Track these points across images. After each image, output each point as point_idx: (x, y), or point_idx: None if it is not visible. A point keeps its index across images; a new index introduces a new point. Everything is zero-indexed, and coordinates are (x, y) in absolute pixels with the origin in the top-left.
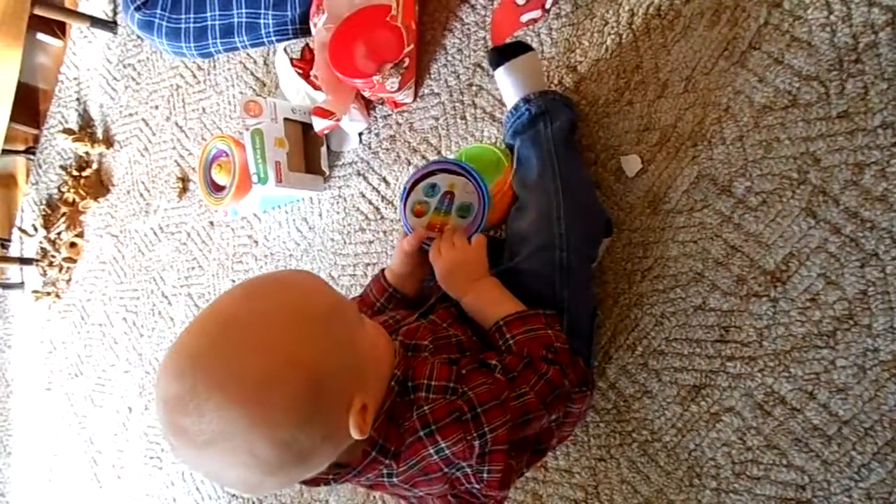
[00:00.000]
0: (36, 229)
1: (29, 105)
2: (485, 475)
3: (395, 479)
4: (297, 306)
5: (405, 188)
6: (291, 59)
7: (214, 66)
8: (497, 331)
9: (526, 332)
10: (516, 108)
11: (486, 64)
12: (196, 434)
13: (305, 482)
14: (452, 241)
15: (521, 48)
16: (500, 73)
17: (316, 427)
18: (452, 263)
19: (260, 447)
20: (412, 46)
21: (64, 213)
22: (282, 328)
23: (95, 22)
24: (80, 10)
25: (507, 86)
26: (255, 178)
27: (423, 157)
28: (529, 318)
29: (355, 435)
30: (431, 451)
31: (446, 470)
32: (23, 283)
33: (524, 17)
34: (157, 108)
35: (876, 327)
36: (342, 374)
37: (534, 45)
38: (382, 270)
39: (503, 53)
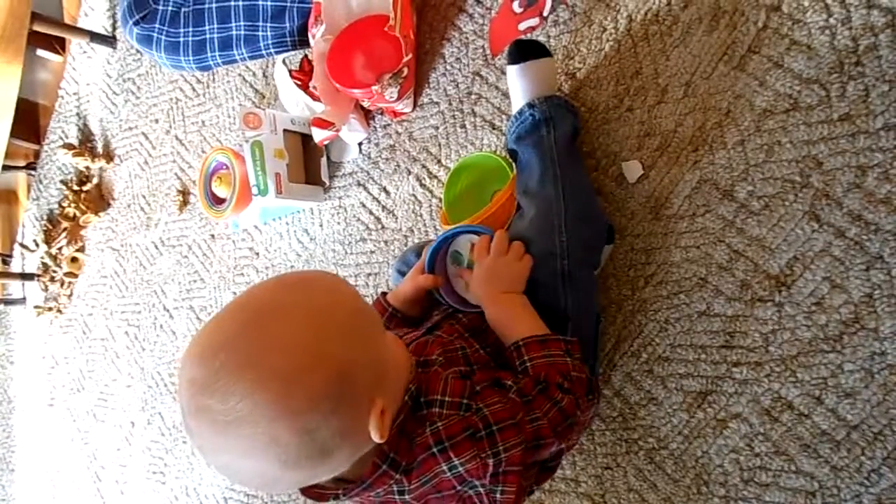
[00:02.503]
0: (37, 244)
1: (29, 121)
2: (498, 496)
3: (406, 497)
4: (327, 301)
5: (453, 232)
6: (290, 71)
7: (213, 79)
8: (515, 350)
9: (544, 357)
10: (520, 112)
11: (484, 72)
12: (220, 413)
13: (313, 496)
14: (508, 246)
15: (540, 51)
16: (513, 72)
17: (338, 421)
18: (496, 269)
19: (283, 434)
20: (411, 56)
21: (65, 228)
22: (313, 320)
23: (95, 37)
24: (79, 25)
25: (517, 87)
26: (255, 190)
27: (424, 167)
28: (550, 342)
29: (375, 437)
30: (445, 467)
31: (459, 488)
32: (24, 298)
33: (522, 25)
34: (156, 121)
35: (883, 330)
36: (366, 372)
37: None
38: (384, 294)
39: (522, 51)
